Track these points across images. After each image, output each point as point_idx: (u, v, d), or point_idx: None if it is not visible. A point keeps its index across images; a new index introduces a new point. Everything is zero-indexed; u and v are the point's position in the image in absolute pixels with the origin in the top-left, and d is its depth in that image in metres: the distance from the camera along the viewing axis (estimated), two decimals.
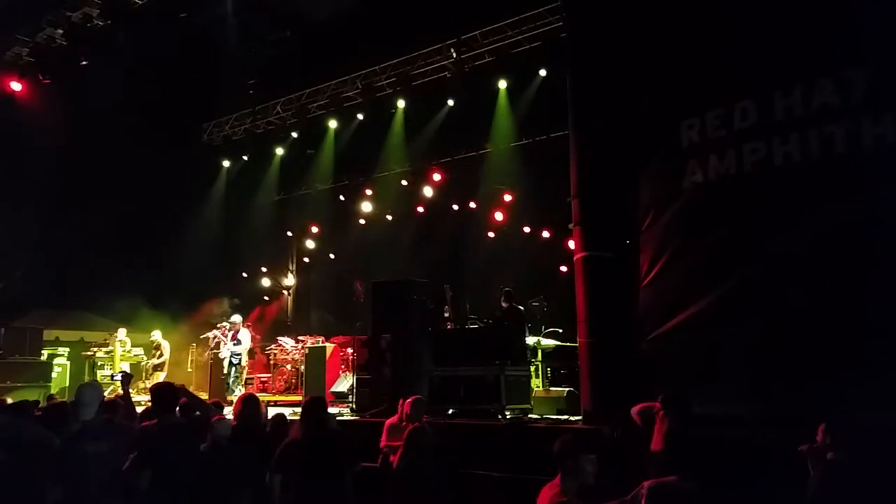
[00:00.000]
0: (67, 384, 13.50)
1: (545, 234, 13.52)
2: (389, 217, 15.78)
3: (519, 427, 7.52)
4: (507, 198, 13.93)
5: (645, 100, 7.42)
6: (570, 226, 7.85)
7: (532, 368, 9.53)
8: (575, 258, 7.65)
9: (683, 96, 7.06)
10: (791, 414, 5.30)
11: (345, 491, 5.05)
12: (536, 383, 9.61)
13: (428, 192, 14.77)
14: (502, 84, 12.73)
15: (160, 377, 12.87)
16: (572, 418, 7.90)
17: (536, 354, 9.86)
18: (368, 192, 15.96)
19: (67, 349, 14.06)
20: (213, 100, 15.32)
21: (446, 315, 10.30)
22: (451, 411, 8.21)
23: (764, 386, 5.92)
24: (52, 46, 12.41)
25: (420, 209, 15.20)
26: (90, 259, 14.35)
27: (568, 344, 9.66)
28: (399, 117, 14.10)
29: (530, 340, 9.70)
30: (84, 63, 12.40)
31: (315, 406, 5.44)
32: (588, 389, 7.21)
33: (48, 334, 14.00)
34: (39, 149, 13.49)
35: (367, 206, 15.93)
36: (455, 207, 14.73)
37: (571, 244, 7.95)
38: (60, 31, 12.13)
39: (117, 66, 12.94)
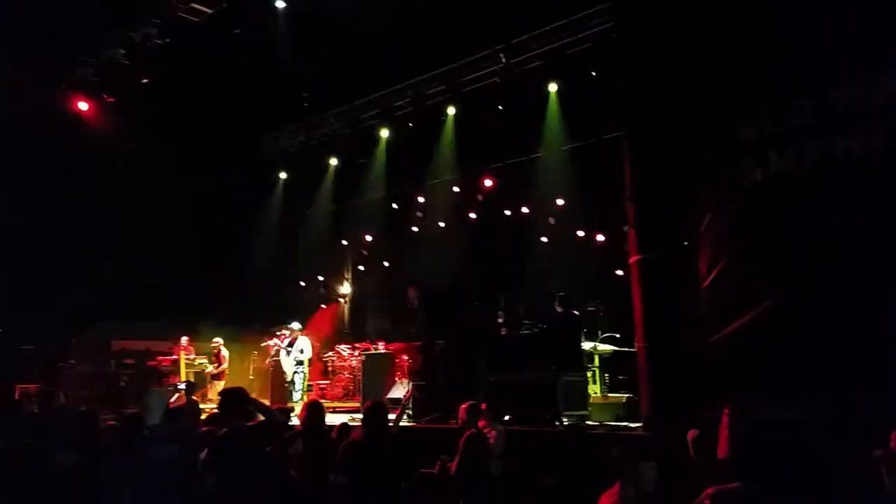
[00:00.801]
0: (137, 392, 13.99)
1: (599, 237, 13.35)
2: (442, 224, 15.85)
3: (576, 433, 7.43)
4: (560, 202, 13.81)
5: (699, 98, 7.27)
6: (626, 228, 7.74)
7: (589, 374, 9.41)
8: (630, 261, 7.54)
9: (739, 93, 6.89)
10: (860, 419, 5.10)
11: (403, 496, 5.08)
12: (594, 389, 9.47)
13: (479, 198, 14.77)
14: (553, 87, 12.63)
15: (220, 385, 13.24)
16: (631, 425, 7.76)
17: (593, 360, 9.73)
18: (420, 199, 16.07)
19: (134, 359, 14.56)
20: (268, 113, 15.66)
21: (500, 321, 10.26)
22: (506, 417, 8.16)
23: (830, 390, 5.70)
24: (114, 66, 12.92)
25: (472, 215, 15.21)
26: (154, 271, 14.85)
27: (626, 349, 9.51)
28: (449, 124, 14.14)
29: (587, 346, 9.58)
30: (144, 81, 12.88)
31: (376, 411, 5.52)
32: (647, 395, 7.07)
33: (115, 345, 14.54)
34: (104, 165, 14.04)
35: (419, 214, 16.04)
36: (507, 213, 14.69)
37: (627, 247, 7.82)
38: (122, 51, 12.60)
39: (176, 84, 13.40)
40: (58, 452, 4.33)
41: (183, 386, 11.60)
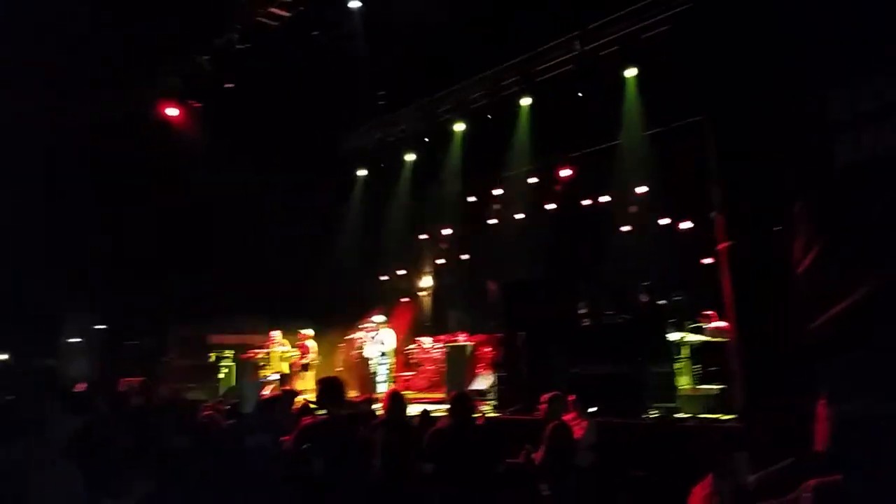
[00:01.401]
0: (233, 384, 14.67)
1: (685, 224, 12.97)
2: (519, 216, 15.79)
3: (665, 426, 7.28)
4: (642, 189, 13.50)
5: (786, 74, 6.94)
6: (712, 214, 7.51)
7: (678, 366, 9.19)
8: (719, 248, 7.31)
9: (831, 68, 6.53)
10: None
11: (489, 485, 5.13)
12: (683, 381, 9.24)
13: (557, 188, 14.63)
14: (630, 72, 12.35)
15: (307, 376, 13.69)
16: (723, 417, 7.54)
17: (682, 351, 9.49)
18: (497, 192, 16.05)
19: (231, 352, 15.26)
20: (346, 112, 16.00)
21: (582, 312, 10.16)
22: (591, 409, 8.08)
23: None
24: (200, 73, 13.49)
25: (550, 206, 15.08)
26: (246, 268, 15.49)
27: (716, 339, 9.23)
28: (525, 115, 14.04)
29: (674, 336, 9.35)
30: (228, 86, 13.39)
31: (461, 401, 5.60)
32: (740, 386, 6.85)
33: (212, 339, 15.27)
34: (195, 168, 14.72)
35: (496, 206, 16.04)
36: (586, 202, 14.48)
37: (714, 234, 7.59)
38: (207, 58, 13.14)
39: (257, 87, 13.88)
40: (174, 438, 4.59)
41: (275, 377, 12.07)
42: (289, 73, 13.67)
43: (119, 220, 17.28)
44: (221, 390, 14.17)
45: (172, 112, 14.26)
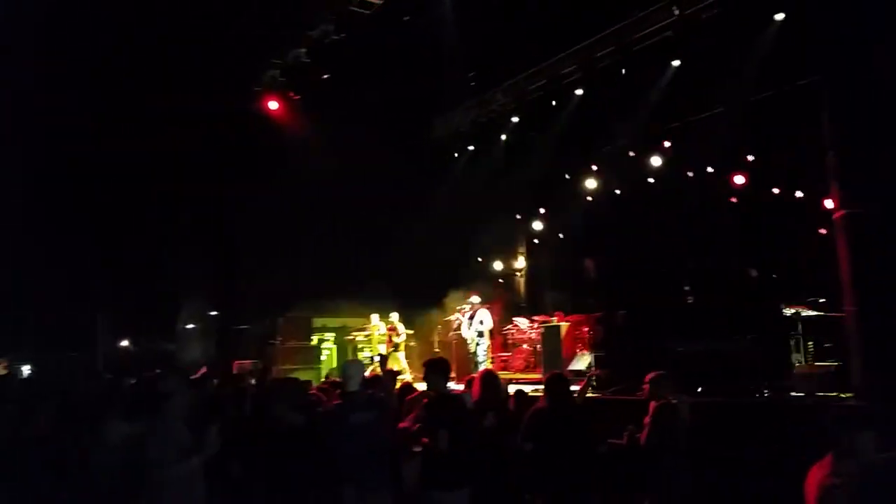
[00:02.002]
0: (335, 365, 15.19)
1: (797, 193, 12.22)
2: (617, 192, 15.37)
3: (778, 405, 6.93)
4: (749, 158, 12.80)
5: None
6: (828, 182, 7.04)
7: (791, 342, 8.72)
8: (834, 217, 6.85)
9: None
10: None
11: (591, 465, 5.07)
12: (797, 358, 8.76)
13: (657, 161, 14.12)
14: (731, 36, 11.67)
15: (399, 357, 13.98)
16: (841, 395, 7.10)
17: (796, 326, 8.99)
18: (594, 167, 15.68)
19: (333, 334, 15.80)
20: (438, 96, 16.06)
21: (686, 288, 9.80)
22: (698, 389, 7.81)
23: None
24: (298, 65, 13.89)
25: (650, 180, 14.57)
26: (347, 253, 15.97)
27: (832, 314, 8.68)
28: (621, 86, 13.60)
29: (788, 311, 8.87)
30: (325, 77, 13.73)
31: (557, 381, 5.54)
32: (859, 362, 6.42)
33: (316, 322, 15.85)
34: (297, 159, 15.23)
35: (592, 183, 15.68)
36: (689, 174, 13.89)
37: (829, 203, 7.12)
38: (304, 50, 13.50)
39: (353, 76, 14.15)
40: (290, 415, 4.79)
41: (377, 358, 12.38)
42: (382, 61, 13.85)
43: (228, 211, 18.19)
44: (324, 371, 14.70)
45: (273, 105, 14.77)
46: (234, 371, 13.55)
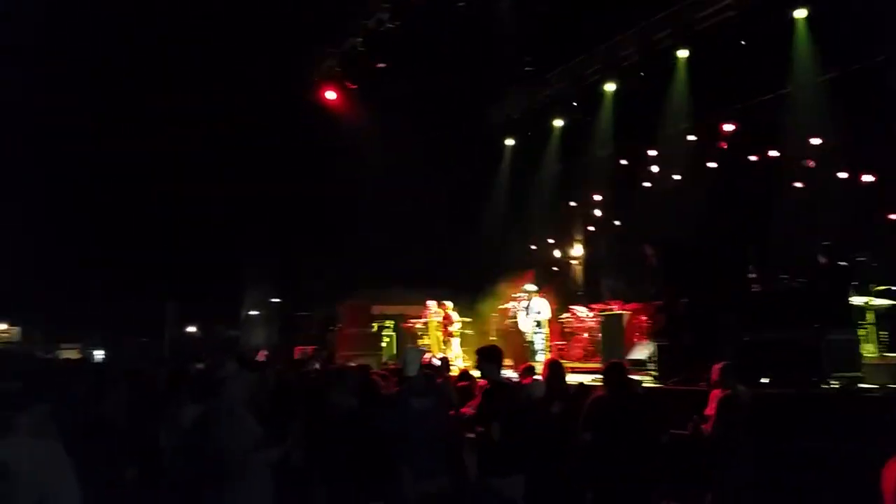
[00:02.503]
0: (394, 352, 15.39)
1: (867, 178, 11.69)
2: (677, 176, 14.99)
3: (848, 396, 6.68)
4: (816, 141, 12.31)
5: None
6: None
7: (862, 332, 8.37)
8: None
9: None
10: None
11: (651, 455, 5.00)
12: (868, 349, 8.41)
13: (720, 145, 13.71)
14: (800, 13, 11.23)
15: (453, 344, 14.03)
16: None
17: (866, 316, 8.62)
18: (652, 152, 15.33)
19: (392, 321, 15.99)
20: (493, 82, 15.97)
21: (751, 276, 9.50)
22: (764, 380, 7.58)
23: None
24: (354, 54, 14.02)
25: (712, 164, 14.15)
26: (403, 241, 16.11)
27: None
28: (681, 69, 13.24)
29: (858, 300, 8.51)
30: (381, 65, 13.82)
31: (616, 371, 5.48)
32: None
33: (375, 309, 16.07)
34: (354, 147, 15.42)
35: (652, 168, 15.34)
36: (753, 158, 13.43)
37: None
38: (360, 40, 13.61)
39: (408, 64, 14.20)
40: (344, 398, 4.90)
41: (436, 360, 12.45)
42: (436, 48, 13.85)
43: (289, 202, 18.60)
44: (384, 357, 14.91)
45: (331, 95, 14.95)
46: (296, 356, 13.90)
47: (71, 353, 22.89)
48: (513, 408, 5.17)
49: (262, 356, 13.64)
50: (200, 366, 8.17)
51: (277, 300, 21.96)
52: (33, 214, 23.32)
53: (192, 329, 28.45)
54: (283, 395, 6.10)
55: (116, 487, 4.61)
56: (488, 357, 5.51)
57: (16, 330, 28.65)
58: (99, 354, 22.89)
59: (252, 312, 23.49)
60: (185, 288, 23.60)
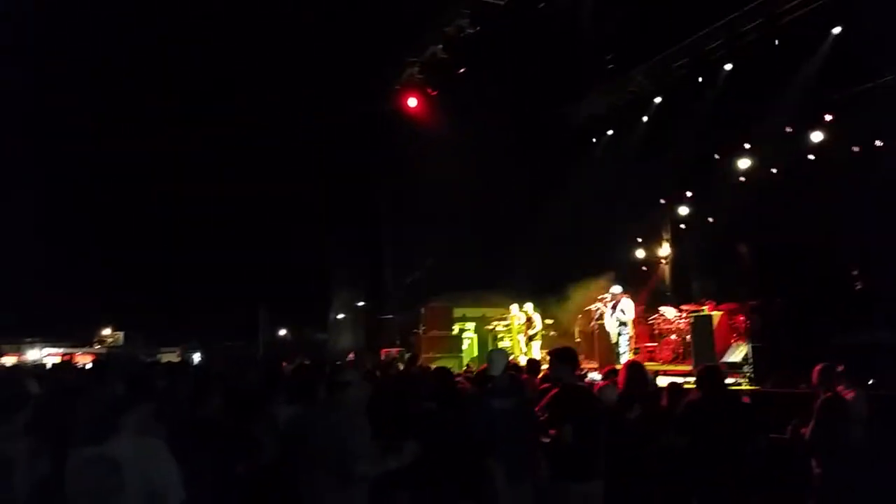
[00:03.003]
0: (475, 354, 15.41)
1: None
2: (773, 171, 14.32)
3: None
4: None
5: None
6: None
7: None
8: None
9: None
10: None
11: (750, 460, 4.80)
12: None
13: (818, 136, 13.02)
14: None
15: (534, 347, 13.89)
16: None
17: None
18: (746, 146, 14.71)
19: (473, 324, 16.03)
20: (574, 81, 15.79)
21: (854, 273, 8.98)
22: (870, 381, 7.14)
23: None
24: (434, 61, 14.18)
25: (810, 157, 13.44)
26: (486, 244, 16.15)
27: None
28: (775, 59, 12.66)
29: None
30: (462, 70, 13.91)
31: (711, 373, 5.30)
32: None
33: (456, 312, 16.15)
34: (435, 154, 15.57)
35: (744, 163, 14.71)
36: (855, 149, 12.67)
37: None
38: (440, 46, 13.75)
39: (488, 68, 14.24)
40: (422, 401, 4.93)
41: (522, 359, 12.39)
42: (517, 50, 13.82)
43: (373, 208, 19.00)
44: (465, 360, 14.94)
45: (412, 102, 15.18)
46: (382, 359, 14.15)
47: (171, 357, 24.20)
48: (585, 411, 5.08)
49: (350, 359, 13.97)
50: (290, 366, 8.41)
51: (362, 304, 22.44)
52: (135, 227, 24.87)
53: (282, 332, 29.44)
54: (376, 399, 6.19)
55: (221, 483, 4.81)
56: (561, 358, 5.47)
57: (119, 335, 30.54)
58: (196, 357, 24.03)
59: (339, 316, 24.06)
60: (276, 293, 24.53)
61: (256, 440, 5.17)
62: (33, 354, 25.29)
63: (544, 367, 11.62)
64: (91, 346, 28.56)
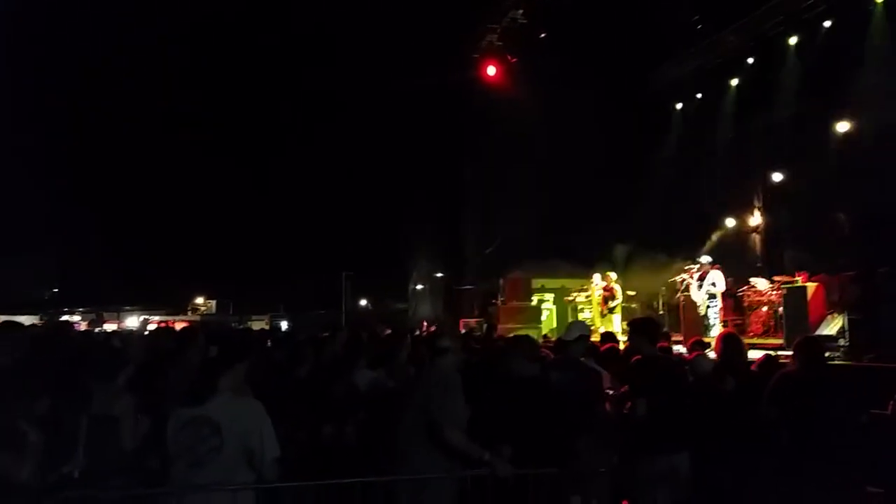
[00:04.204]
0: (554, 325, 15.30)
1: None
2: (874, 134, 13.39)
3: None
4: None
5: None
6: None
7: None
8: None
9: None
10: None
11: (850, 436, 4.58)
12: None
13: None
14: None
15: (614, 319, 13.58)
16: None
17: None
18: (844, 108, 13.81)
19: (552, 295, 15.89)
20: (658, 44, 15.22)
21: None
22: None
23: None
24: (514, 28, 13.95)
25: None
26: (565, 214, 15.92)
27: None
28: (879, 15, 11.80)
29: None
30: (542, 35, 13.63)
31: (810, 344, 5.09)
32: None
33: (535, 283, 16.04)
34: (514, 123, 15.40)
35: (843, 126, 13.83)
36: None
37: None
38: (521, 12, 13.50)
39: (569, 32, 13.89)
40: (524, 366, 4.93)
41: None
42: (599, 12, 13.42)
43: (451, 179, 19.05)
44: (544, 330, 14.84)
45: (492, 70, 15.02)
46: (461, 329, 14.26)
47: (260, 324, 25.25)
48: (664, 383, 4.95)
49: (427, 329, 14.15)
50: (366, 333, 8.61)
51: (441, 274, 22.68)
52: (225, 206, 25.96)
53: (363, 302, 30.22)
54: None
55: (308, 443, 5.01)
56: (639, 330, 5.36)
57: (212, 303, 32.15)
58: (283, 325, 24.99)
59: (418, 286, 24.42)
60: (358, 264, 25.15)
61: (342, 402, 5.35)
62: (132, 321, 26.93)
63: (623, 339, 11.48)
64: (185, 313, 30.17)
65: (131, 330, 18.25)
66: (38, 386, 3.85)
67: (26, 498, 2.96)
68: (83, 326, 18.57)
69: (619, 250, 15.55)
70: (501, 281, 16.08)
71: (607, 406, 5.51)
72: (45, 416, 3.61)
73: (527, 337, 5.66)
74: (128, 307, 30.10)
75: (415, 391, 4.25)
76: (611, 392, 5.64)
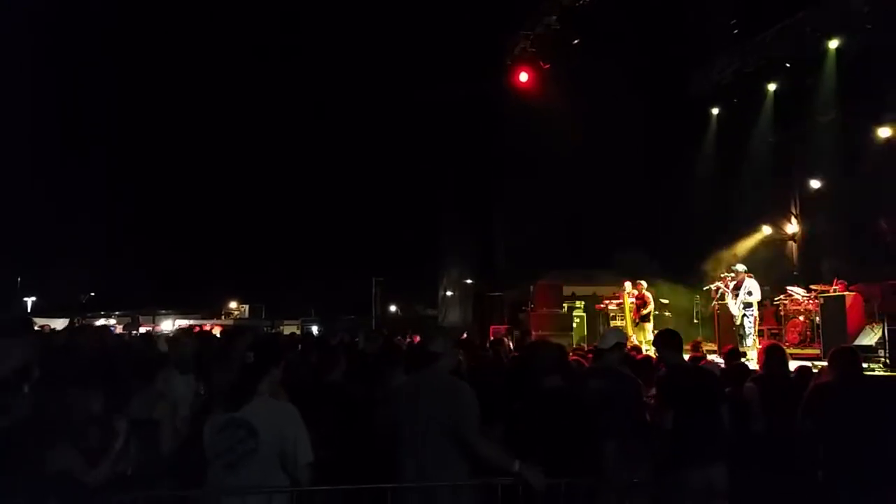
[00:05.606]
0: (585, 333, 15.15)
1: None
2: None
3: None
4: None
5: None
6: None
7: None
8: None
9: None
10: None
11: (888, 450, 4.46)
12: None
13: None
14: None
15: (648, 328, 13.36)
16: None
17: None
18: (887, 114, 13.47)
19: (583, 302, 15.74)
20: (696, 48, 15.04)
21: None
22: None
23: None
24: (548, 34, 13.89)
25: None
26: (599, 221, 15.79)
27: None
28: None
29: None
30: (576, 42, 13.56)
31: (844, 355, 4.98)
32: None
33: (566, 290, 15.92)
34: (547, 128, 15.33)
35: (885, 132, 13.49)
36: None
37: None
38: (554, 18, 13.44)
39: (603, 38, 13.80)
40: (549, 376, 4.89)
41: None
42: (634, 17, 13.32)
43: (482, 186, 19.05)
44: (575, 338, 14.69)
45: (524, 77, 14.97)
46: (492, 336, 14.21)
47: (292, 328, 25.51)
48: (693, 394, 4.89)
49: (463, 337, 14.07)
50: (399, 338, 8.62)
51: (470, 281, 22.68)
52: (258, 212, 26.35)
53: (393, 308, 30.36)
54: (481, 373, 6.22)
55: (342, 446, 5.03)
56: (666, 342, 5.31)
57: (245, 307, 32.61)
58: (315, 329, 25.21)
59: (448, 293, 24.45)
60: (389, 270, 25.30)
61: (375, 405, 5.36)
62: (166, 325, 27.39)
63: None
64: (219, 317, 30.61)
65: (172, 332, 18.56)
66: (96, 385, 3.90)
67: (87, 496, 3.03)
68: (119, 330, 18.95)
69: (650, 260, 15.33)
70: (532, 288, 16.00)
71: (647, 416, 5.46)
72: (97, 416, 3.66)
73: (545, 343, 5.64)
74: (163, 311, 30.64)
75: (417, 399, 4.14)
76: (651, 401, 5.60)
